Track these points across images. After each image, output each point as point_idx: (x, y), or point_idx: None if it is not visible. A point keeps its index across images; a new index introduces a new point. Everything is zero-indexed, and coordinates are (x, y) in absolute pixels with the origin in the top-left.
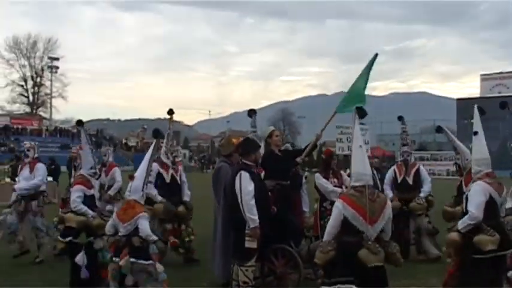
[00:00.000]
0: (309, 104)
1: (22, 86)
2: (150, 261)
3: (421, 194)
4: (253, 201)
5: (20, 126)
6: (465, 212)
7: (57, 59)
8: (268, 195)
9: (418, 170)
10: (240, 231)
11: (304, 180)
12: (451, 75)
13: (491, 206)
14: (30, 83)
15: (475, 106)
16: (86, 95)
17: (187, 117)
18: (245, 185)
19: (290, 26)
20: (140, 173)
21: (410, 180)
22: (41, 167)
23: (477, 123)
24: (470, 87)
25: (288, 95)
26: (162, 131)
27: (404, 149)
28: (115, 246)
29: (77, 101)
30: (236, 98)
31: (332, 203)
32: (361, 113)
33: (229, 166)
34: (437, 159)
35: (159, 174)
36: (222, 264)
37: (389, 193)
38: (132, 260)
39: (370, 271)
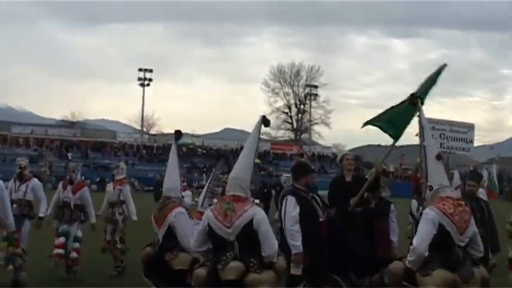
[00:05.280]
0: None
1: (286, 113)
2: None
3: None
4: (295, 227)
5: (280, 151)
6: None
7: (316, 86)
8: (319, 221)
9: None
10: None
11: (392, 207)
12: None
13: (212, 237)
14: (294, 110)
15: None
16: (357, 121)
17: None
18: (289, 210)
19: None
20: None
21: None
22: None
23: (252, 140)
24: None
25: None
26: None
27: None
28: None
29: (347, 127)
30: (511, 124)
31: None
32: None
33: None
34: None
35: None
36: None
37: None
38: None
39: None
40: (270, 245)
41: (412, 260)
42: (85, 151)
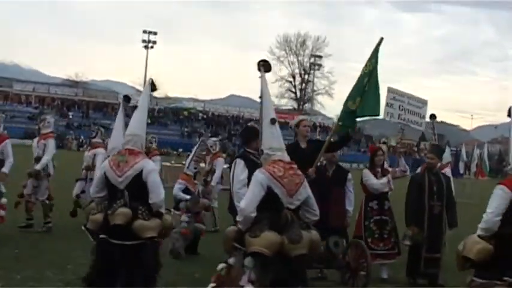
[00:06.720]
0: None
1: (290, 82)
2: None
3: None
4: (243, 190)
5: (281, 120)
6: None
7: (320, 56)
8: None
9: None
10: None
11: (349, 176)
12: None
13: (108, 186)
14: (298, 79)
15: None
16: None
17: (465, 121)
18: (237, 174)
19: None
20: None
21: None
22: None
23: (142, 101)
24: None
25: None
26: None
27: None
28: None
29: None
30: None
31: (379, 203)
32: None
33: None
34: None
35: None
36: None
37: None
38: None
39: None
40: (156, 194)
41: (240, 220)
42: (86, 111)
